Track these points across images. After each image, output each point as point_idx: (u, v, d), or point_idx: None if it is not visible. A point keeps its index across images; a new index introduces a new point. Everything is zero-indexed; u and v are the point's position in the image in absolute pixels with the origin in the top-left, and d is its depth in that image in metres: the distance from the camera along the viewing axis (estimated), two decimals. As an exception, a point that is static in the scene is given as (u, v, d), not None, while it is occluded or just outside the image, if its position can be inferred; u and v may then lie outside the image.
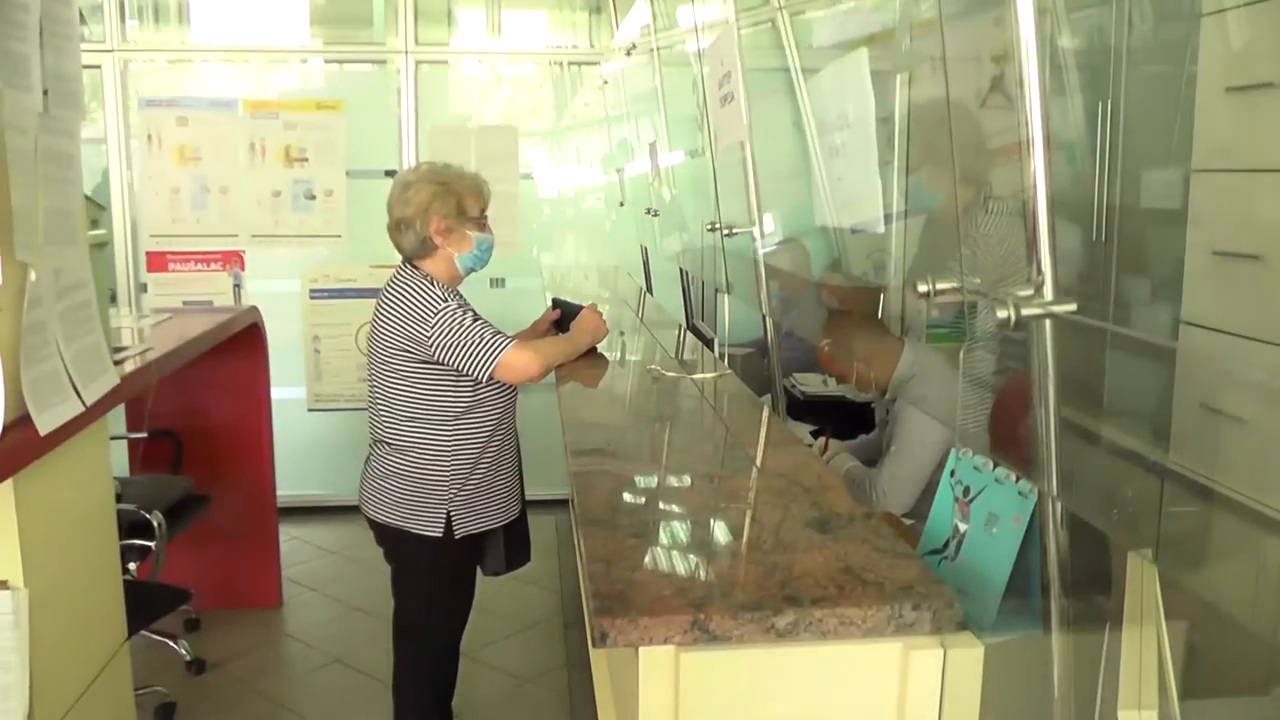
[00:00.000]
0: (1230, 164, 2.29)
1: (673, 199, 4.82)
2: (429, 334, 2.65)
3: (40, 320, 2.10)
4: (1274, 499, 2.08)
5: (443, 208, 2.74)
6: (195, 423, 4.29)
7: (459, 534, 2.77)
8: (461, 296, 2.77)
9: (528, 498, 3.08)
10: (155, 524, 3.47)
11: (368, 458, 2.91)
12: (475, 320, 2.69)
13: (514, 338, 2.76)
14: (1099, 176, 2.60)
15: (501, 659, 3.98)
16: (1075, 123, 2.69)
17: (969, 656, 1.50)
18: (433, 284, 2.71)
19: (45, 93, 2.13)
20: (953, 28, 2.30)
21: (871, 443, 3.18)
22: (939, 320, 3.01)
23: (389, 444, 2.79)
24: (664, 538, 1.81)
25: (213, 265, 5.07)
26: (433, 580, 2.87)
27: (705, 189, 3.68)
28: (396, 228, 2.78)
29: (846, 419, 3.49)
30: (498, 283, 5.73)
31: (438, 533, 2.75)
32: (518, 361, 2.69)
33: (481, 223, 2.83)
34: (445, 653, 2.95)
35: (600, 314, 3.23)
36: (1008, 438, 2.20)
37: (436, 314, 2.65)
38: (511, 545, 3.01)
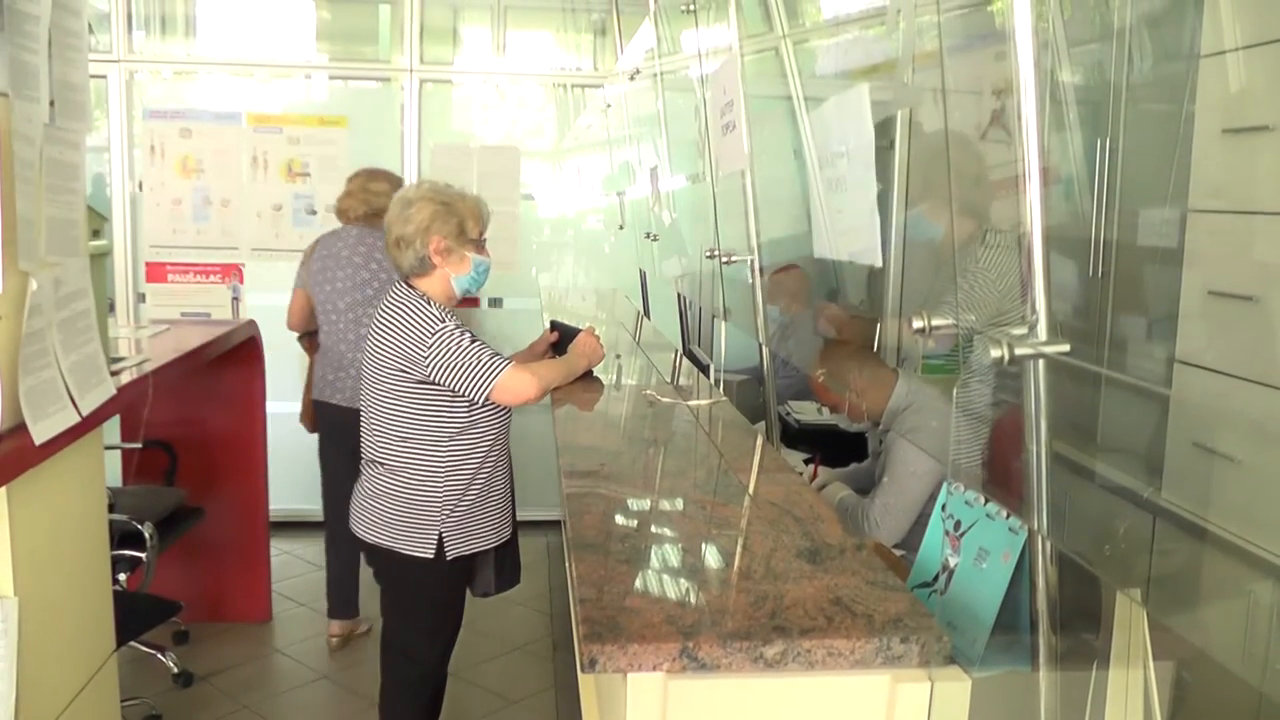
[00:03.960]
0: (1226, 205, 2.30)
1: (672, 224, 4.83)
2: (426, 354, 2.65)
3: (40, 329, 2.11)
4: (1265, 539, 2.08)
5: (443, 228, 2.74)
6: (190, 434, 4.28)
7: (450, 555, 2.75)
8: (458, 318, 2.77)
9: (519, 519, 3.07)
10: (147, 535, 3.47)
11: (359, 477, 2.90)
12: (473, 341, 2.69)
13: (511, 359, 2.76)
14: (1097, 212, 2.62)
15: (489, 679, 3.97)
16: (1074, 158, 2.71)
17: (956, 690, 1.51)
18: (429, 304, 2.71)
19: (52, 103, 2.14)
20: (954, 60, 2.32)
21: (863, 471, 3.18)
22: (934, 352, 3.02)
23: (381, 464, 2.78)
24: (655, 564, 1.81)
25: (212, 277, 5.08)
26: (423, 601, 2.86)
27: (705, 214, 3.69)
28: (395, 245, 2.77)
29: (840, 448, 3.49)
30: (496, 302, 5.75)
31: (429, 554, 2.73)
32: (514, 384, 2.69)
33: (480, 245, 2.84)
34: (433, 673, 2.94)
35: (598, 337, 3.23)
36: (1000, 473, 2.20)
37: (434, 334, 2.65)
38: (501, 567, 3.00)
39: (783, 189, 4.16)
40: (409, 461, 2.74)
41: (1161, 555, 2.49)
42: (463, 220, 2.78)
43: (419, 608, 2.87)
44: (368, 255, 3.95)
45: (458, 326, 2.69)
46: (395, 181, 4.22)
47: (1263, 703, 1.78)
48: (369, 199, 4.07)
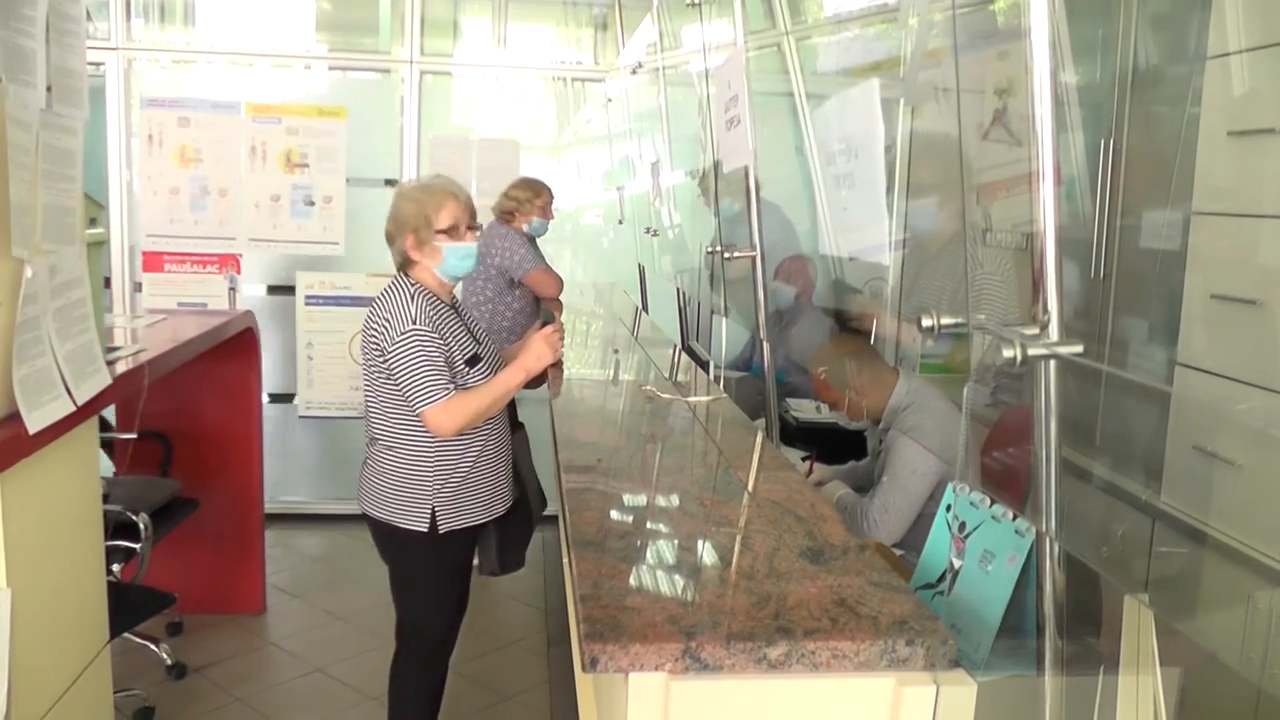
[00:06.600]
0: (1230, 208, 2.29)
1: (673, 220, 4.82)
2: (390, 349, 2.70)
3: (34, 317, 2.09)
4: (1265, 544, 2.07)
5: (413, 221, 2.80)
6: (186, 425, 4.26)
7: (443, 529, 2.81)
8: (443, 316, 2.77)
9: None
10: (141, 526, 3.45)
11: (366, 456, 2.94)
12: (429, 357, 2.67)
13: (452, 389, 2.70)
14: (1099, 214, 2.60)
15: (483, 674, 3.95)
16: (1076, 159, 2.70)
17: (962, 694, 1.49)
18: (411, 301, 2.72)
19: (49, 89, 2.12)
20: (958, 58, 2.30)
21: (861, 470, 3.17)
22: (932, 350, 3.01)
23: (379, 441, 2.85)
24: (655, 562, 1.80)
25: (209, 267, 5.05)
26: (422, 573, 2.91)
27: (705, 210, 3.68)
28: (389, 242, 2.86)
29: (839, 446, 3.48)
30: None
31: (423, 527, 2.79)
32: (433, 419, 2.69)
33: (451, 232, 2.81)
34: (438, 652, 2.98)
35: (557, 334, 2.87)
36: (1002, 471, 2.19)
37: (402, 334, 2.68)
38: (505, 545, 3.04)
39: (782, 187, 4.15)
40: (400, 439, 2.79)
41: (1160, 558, 2.48)
42: (428, 214, 2.79)
43: (420, 580, 2.92)
44: (484, 249, 4.26)
45: (429, 332, 2.69)
46: (529, 185, 4.80)
47: (1261, 699, 1.77)
48: (502, 201, 4.75)
